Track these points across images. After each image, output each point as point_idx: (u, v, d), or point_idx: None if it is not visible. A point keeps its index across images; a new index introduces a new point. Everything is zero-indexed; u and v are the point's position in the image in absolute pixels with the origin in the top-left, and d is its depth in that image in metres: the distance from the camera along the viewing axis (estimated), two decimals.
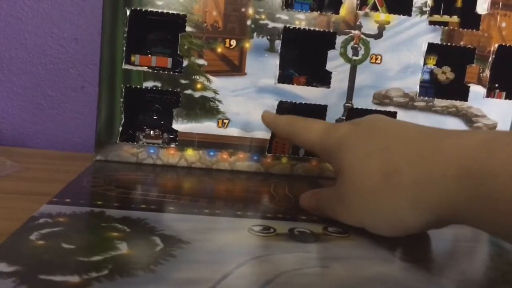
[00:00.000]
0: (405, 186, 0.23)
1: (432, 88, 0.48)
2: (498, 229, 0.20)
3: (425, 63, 0.47)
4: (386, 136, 0.26)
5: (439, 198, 0.22)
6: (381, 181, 0.24)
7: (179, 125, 0.43)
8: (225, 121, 0.44)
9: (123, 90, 0.42)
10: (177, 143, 0.44)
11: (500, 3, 0.45)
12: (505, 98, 0.47)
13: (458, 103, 0.46)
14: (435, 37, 0.45)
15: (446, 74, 0.47)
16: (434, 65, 0.48)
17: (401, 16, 0.45)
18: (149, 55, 0.43)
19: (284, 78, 0.45)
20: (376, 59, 0.45)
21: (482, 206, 0.20)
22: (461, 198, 0.21)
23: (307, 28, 0.43)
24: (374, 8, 0.45)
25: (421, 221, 0.23)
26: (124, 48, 0.42)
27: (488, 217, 0.20)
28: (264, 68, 0.44)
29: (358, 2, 0.44)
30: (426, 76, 0.48)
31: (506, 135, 0.21)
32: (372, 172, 0.25)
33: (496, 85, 0.48)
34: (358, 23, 0.44)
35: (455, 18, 0.46)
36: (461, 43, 0.45)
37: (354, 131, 0.28)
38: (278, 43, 0.43)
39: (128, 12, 0.41)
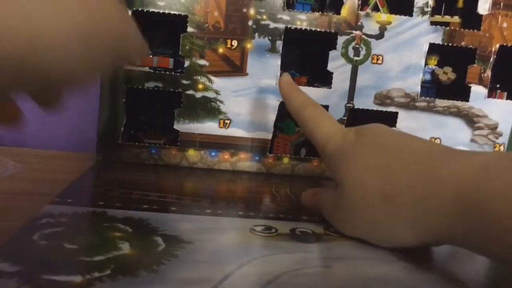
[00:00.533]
0: (405, 209, 0.24)
1: (433, 88, 0.48)
2: (495, 254, 0.21)
3: (426, 64, 0.47)
4: (387, 152, 0.26)
5: (438, 222, 0.22)
6: (381, 200, 0.25)
7: (180, 126, 0.44)
8: (226, 121, 0.44)
9: (125, 90, 0.42)
10: (178, 144, 0.44)
11: (502, 4, 0.45)
12: (507, 98, 0.47)
13: (459, 103, 0.47)
14: (437, 38, 0.45)
15: (447, 74, 0.47)
16: (435, 65, 0.48)
17: (402, 17, 0.45)
18: (151, 56, 0.43)
19: None
20: (378, 59, 0.45)
21: (479, 232, 0.20)
22: (459, 223, 0.21)
23: (308, 28, 0.43)
24: (376, 9, 0.45)
25: (419, 241, 0.24)
26: None
27: (485, 244, 0.20)
28: (265, 68, 0.44)
29: (360, 2, 0.44)
30: (428, 77, 0.48)
31: (502, 160, 0.21)
32: (372, 190, 0.25)
33: (498, 85, 0.48)
34: (359, 23, 0.44)
35: (456, 19, 0.46)
36: (462, 43, 0.45)
37: (358, 142, 0.28)
38: (279, 44, 0.43)
39: (129, 13, 0.41)
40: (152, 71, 0.43)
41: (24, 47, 0.16)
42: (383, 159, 0.25)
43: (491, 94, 0.47)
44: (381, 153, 0.26)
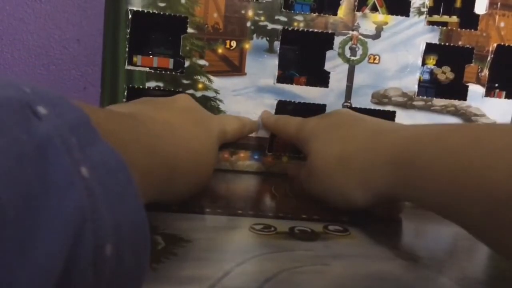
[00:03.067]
0: (354, 171, 0.29)
1: (432, 88, 0.48)
2: (430, 203, 0.24)
3: (425, 63, 0.47)
4: (344, 128, 0.32)
5: (380, 181, 0.27)
6: (337, 164, 0.30)
7: None
8: None
9: (126, 90, 0.43)
10: None
11: (499, 3, 0.46)
12: (505, 97, 0.48)
13: (457, 102, 0.47)
14: (433, 37, 0.45)
15: (446, 74, 0.48)
16: (434, 65, 0.48)
17: (399, 17, 0.45)
18: (151, 56, 0.44)
19: (285, 78, 0.46)
20: (374, 59, 0.45)
21: (410, 186, 0.25)
22: (395, 181, 0.26)
23: (305, 29, 0.44)
24: (374, 9, 0.45)
25: (367, 199, 0.28)
26: (127, 49, 0.42)
27: (416, 194, 0.24)
28: (263, 68, 0.44)
29: (356, 3, 0.44)
30: (426, 76, 0.48)
31: (426, 130, 0.26)
32: (331, 155, 0.30)
33: (496, 84, 0.48)
34: (356, 24, 0.45)
35: (454, 18, 0.47)
36: (460, 43, 0.46)
37: (321, 123, 0.34)
38: (277, 44, 0.44)
39: (130, 14, 0.42)
40: (152, 71, 0.43)
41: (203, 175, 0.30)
42: (340, 133, 0.31)
43: (489, 93, 0.47)
44: (338, 129, 0.32)
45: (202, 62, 0.43)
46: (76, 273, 0.12)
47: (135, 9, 0.42)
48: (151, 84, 0.43)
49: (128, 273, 0.15)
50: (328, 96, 0.45)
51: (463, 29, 0.46)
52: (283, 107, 0.45)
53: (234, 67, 0.44)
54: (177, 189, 0.27)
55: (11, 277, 0.10)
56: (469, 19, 0.46)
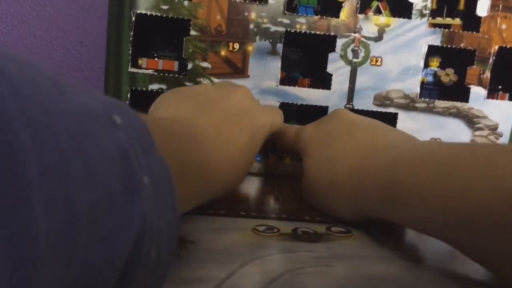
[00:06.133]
0: (343, 195, 0.31)
1: (435, 90, 0.49)
2: (405, 222, 0.27)
3: (428, 65, 0.47)
4: (334, 146, 0.33)
5: (365, 205, 0.29)
6: (327, 187, 0.32)
7: None
8: None
9: (129, 93, 0.43)
10: None
11: (500, 5, 0.46)
12: (509, 99, 0.48)
13: (459, 104, 0.47)
14: (435, 39, 0.46)
15: (449, 76, 0.48)
16: (437, 67, 0.48)
17: (401, 19, 0.45)
18: (156, 59, 0.44)
19: (288, 80, 0.46)
20: (377, 61, 0.45)
21: (393, 210, 0.27)
22: (379, 205, 0.28)
23: (308, 31, 0.44)
24: (378, 11, 0.46)
25: (356, 217, 0.31)
26: (130, 51, 0.42)
27: (398, 215, 0.27)
28: (266, 70, 0.44)
29: (358, 5, 0.45)
30: (430, 78, 0.48)
31: (406, 154, 0.27)
32: (321, 179, 0.32)
33: (500, 86, 0.48)
34: (358, 26, 0.45)
35: (457, 21, 0.47)
36: (461, 45, 0.46)
37: (313, 136, 0.35)
38: (280, 46, 0.44)
39: (133, 16, 0.42)
40: (156, 73, 0.43)
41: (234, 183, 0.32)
42: (330, 154, 0.32)
43: (491, 95, 0.47)
44: (329, 148, 0.33)
45: (205, 64, 0.43)
46: (133, 271, 0.14)
47: (138, 11, 0.42)
48: (154, 86, 0.43)
49: (160, 275, 0.16)
50: (330, 98, 0.45)
51: (465, 31, 0.46)
52: (286, 109, 0.45)
53: (237, 69, 0.44)
54: (205, 195, 0.28)
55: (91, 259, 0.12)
56: (471, 21, 0.46)
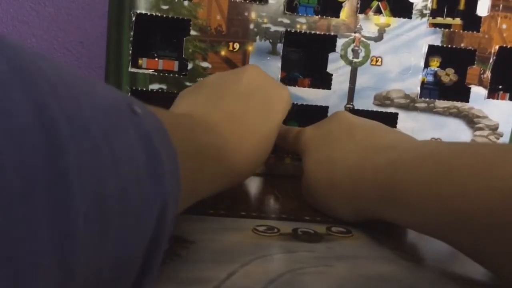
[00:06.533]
0: (343, 194, 0.31)
1: (435, 90, 0.49)
2: (404, 222, 0.27)
3: (428, 65, 0.47)
4: (334, 146, 0.33)
5: (364, 204, 0.29)
6: (327, 187, 0.32)
7: None
8: None
9: (129, 92, 0.43)
10: None
11: (501, 5, 0.46)
12: (509, 99, 0.48)
13: (459, 104, 0.47)
14: (436, 39, 0.46)
15: (449, 76, 0.48)
16: (438, 67, 0.48)
17: (401, 19, 0.45)
18: (156, 59, 0.44)
19: (289, 80, 0.46)
20: (377, 61, 0.45)
21: (392, 210, 0.27)
22: (378, 205, 0.28)
23: (308, 31, 0.44)
24: (378, 11, 0.46)
25: (355, 217, 0.30)
26: (130, 51, 0.42)
27: (397, 216, 0.26)
28: (266, 70, 0.44)
29: (358, 5, 0.45)
30: (430, 78, 0.48)
31: (406, 153, 0.27)
32: (321, 179, 0.32)
33: (500, 86, 0.48)
34: (358, 26, 0.45)
35: (458, 21, 0.47)
36: (462, 45, 0.46)
37: (313, 137, 0.35)
38: (280, 46, 0.44)
39: (133, 16, 0.42)
40: (156, 73, 0.43)
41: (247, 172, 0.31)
42: (330, 154, 0.32)
43: (492, 95, 0.47)
44: (329, 148, 0.33)
45: (205, 64, 0.43)
46: (155, 250, 0.15)
47: (138, 11, 0.42)
48: (154, 86, 0.43)
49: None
50: (330, 98, 0.45)
51: (465, 31, 0.46)
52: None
53: None
54: (225, 183, 0.29)
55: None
56: (471, 21, 0.46)
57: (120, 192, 0.13)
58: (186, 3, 0.42)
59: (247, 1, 0.43)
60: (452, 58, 0.47)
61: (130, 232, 0.14)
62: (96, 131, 0.12)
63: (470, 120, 0.47)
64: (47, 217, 0.10)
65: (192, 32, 0.43)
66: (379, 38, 0.45)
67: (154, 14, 0.42)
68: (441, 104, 0.47)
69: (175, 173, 0.17)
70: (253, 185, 0.42)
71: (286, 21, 0.44)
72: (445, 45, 0.46)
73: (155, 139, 0.15)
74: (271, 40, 0.44)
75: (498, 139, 0.47)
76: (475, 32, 0.46)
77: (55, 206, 0.10)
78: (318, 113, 0.45)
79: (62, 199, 0.10)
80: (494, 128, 0.47)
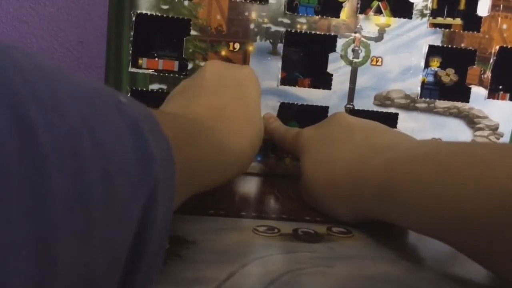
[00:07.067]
0: (341, 195, 0.31)
1: (436, 90, 0.49)
2: (403, 223, 0.27)
3: (429, 65, 0.47)
4: (333, 148, 0.33)
5: (362, 205, 0.29)
6: (325, 188, 0.32)
7: None
8: None
9: (129, 93, 0.43)
10: None
11: (501, 5, 0.46)
12: (510, 99, 0.48)
13: (459, 104, 0.47)
14: (436, 39, 0.46)
15: (450, 76, 0.48)
16: (438, 67, 0.48)
17: (402, 19, 0.45)
18: (156, 59, 0.44)
19: (289, 80, 0.46)
20: (377, 61, 0.45)
21: (390, 211, 0.27)
22: (376, 205, 0.28)
23: (308, 31, 0.44)
24: (378, 11, 0.46)
25: (354, 217, 0.31)
26: (130, 51, 0.42)
27: (396, 216, 0.27)
28: (267, 70, 0.44)
29: (359, 6, 0.45)
30: (430, 78, 0.48)
31: (404, 153, 0.27)
32: (320, 180, 0.32)
33: (500, 86, 0.48)
34: (358, 26, 0.45)
35: (458, 21, 0.47)
36: (462, 45, 0.46)
37: (312, 138, 0.35)
38: (280, 46, 0.44)
39: (133, 16, 0.42)
40: (156, 73, 0.43)
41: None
42: (329, 155, 0.32)
43: (492, 95, 0.47)
44: (328, 149, 0.33)
45: None
46: (150, 235, 0.15)
47: (138, 11, 0.42)
48: (154, 86, 0.43)
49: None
50: (330, 98, 0.45)
51: (466, 31, 0.46)
52: (286, 109, 0.45)
53: None
54: (226, 171, 0.30)
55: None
56: (472, 21, 0.46)
57: (103, 175, 0.13)
58: (186, 3, 0.42)
59: (248, 1, 0.43)
60: (452, 58, 0.47)
61: (115, 218, 0.13)
62: (73, 117, 0.12)
63: (471, 120, 0.47)
64: (24, 210, 0.09)
65: (192, 32, 0.43)
66: (379, 38, 0.45)
67: (154, 14, 0.42)
68: (441, 104, 0.47)
69: (168, 160, 0.17)
70: (253, 185, 0.42)
71: (286, 21, 0.44)
72: (445, 45, 0.46)
73: (142, 125, 0.15)
74: (271, 40, 0.44)
75: (498, 139, 0.47)
76: (475, 32, 0.46)
77: (32, 197, 0.10)
78: (318, 113, 0.45)
79: (38, 190, 0.10)
80: (494, 128, 0.47)
